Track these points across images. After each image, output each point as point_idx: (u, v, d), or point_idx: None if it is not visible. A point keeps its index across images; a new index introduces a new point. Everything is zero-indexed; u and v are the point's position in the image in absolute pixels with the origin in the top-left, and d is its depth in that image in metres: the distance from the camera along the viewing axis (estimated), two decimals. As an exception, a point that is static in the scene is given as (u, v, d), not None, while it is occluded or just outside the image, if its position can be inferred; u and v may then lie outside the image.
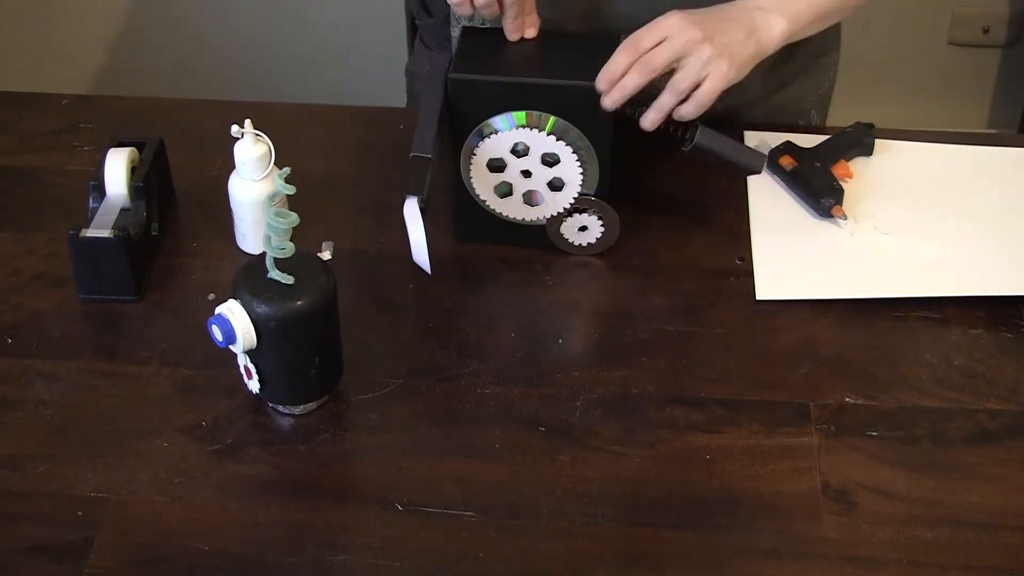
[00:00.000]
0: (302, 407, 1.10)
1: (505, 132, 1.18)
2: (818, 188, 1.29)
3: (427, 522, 1.02)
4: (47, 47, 2.36)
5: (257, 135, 1.17)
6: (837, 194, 1.28)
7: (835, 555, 1.00)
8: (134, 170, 1.23)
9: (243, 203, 1.21)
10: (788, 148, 1.34)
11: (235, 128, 1.16)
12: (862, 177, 1.33)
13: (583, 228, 1.23)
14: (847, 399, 1.12)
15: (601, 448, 1.08)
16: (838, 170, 1.31)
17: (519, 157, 1.19)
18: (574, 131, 1.17)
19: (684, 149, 1.19)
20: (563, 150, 1.18)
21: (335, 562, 0.99)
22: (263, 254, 1.03)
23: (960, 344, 1.17)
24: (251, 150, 1.19)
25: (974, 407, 1.11)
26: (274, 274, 1.03)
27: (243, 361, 1.07)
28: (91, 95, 1.48)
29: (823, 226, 1.27)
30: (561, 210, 1.22)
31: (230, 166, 1.21)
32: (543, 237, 1.24)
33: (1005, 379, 1.14)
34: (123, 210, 1.22)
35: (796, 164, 1.32)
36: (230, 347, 1.04)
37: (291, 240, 1.02)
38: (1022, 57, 2.31)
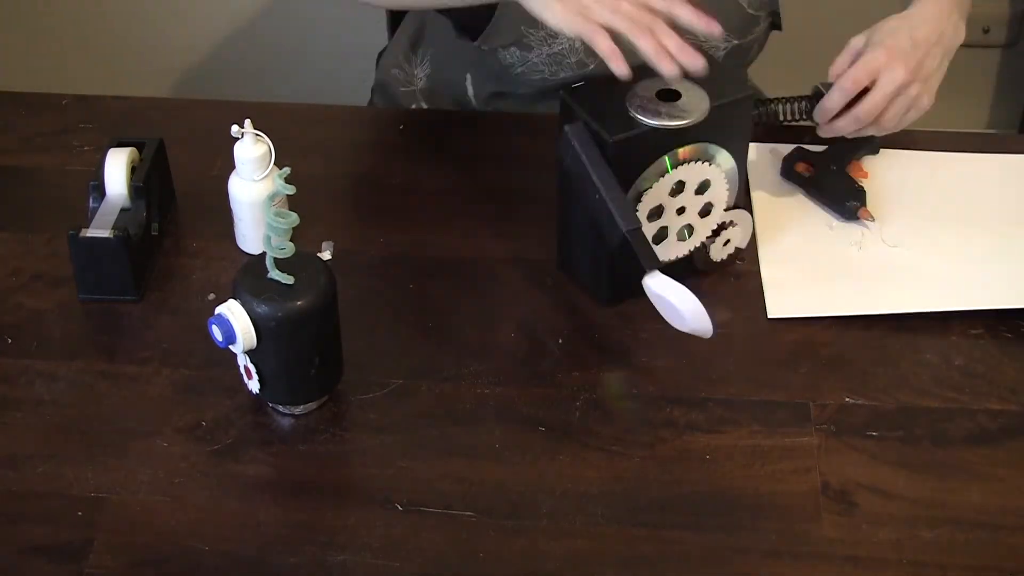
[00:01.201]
0: (302, 407, 1.10)
1: (664, 177, 1.13)
2: (841, 191, 1.28)
3: (427, 522, 1.02)
4: (47, 47, 2.36)
5: (257, 135, 1.17)
6: (860, 196, 1.28)
7: (835, 555, 1.00)
8: (134, 170, 1.23)
9: (243, 203, 1.21)
10: (801, 155, 1.33)
11: (235, 128, 1.16)
12: (871, 183, 1.32)
13: (726, 242, 1.22)
14: (847, 399, 1.12)
15: (601, 448, 1.07)
16: (853, 171, 1.31)
17: (674, 196, 1.16)
18: (718, 150, 1.15)
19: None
20: (712, 172, 1.16)
21: (335, 562, 0.99)
22: (263, 254, 1.03)
23: (960, 344, 1.17)
24: (251, 150, 1.19)
25: (974, 407, 1.11)
26: (274, 274, 1.03)
27: (243, 361, 1.07)
28: (91, 95, 1.48)
29: (831, 241, 1.26)
30: (710, 233, 1.20)
31: (230, 166, 1.21)
32: (688, 267, 1.21)
33: (1005, 379, 1.14)
34: (123, 210, 1.22)
35: (812, 170, 1.31)
36: (230, 347, 1.04)
37: (291, 240, 1.02)
38: (1022, 57, 2.31)
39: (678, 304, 1.08)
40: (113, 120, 1.42)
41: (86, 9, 2.32)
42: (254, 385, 1.07)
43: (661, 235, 1.18)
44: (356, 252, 1.25)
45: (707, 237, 1.20)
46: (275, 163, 1.18)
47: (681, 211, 1.17)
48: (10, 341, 1.17)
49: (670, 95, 1.13)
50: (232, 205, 1.23)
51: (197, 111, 1.45)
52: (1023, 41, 2.29)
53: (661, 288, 1.09)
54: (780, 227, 1.28)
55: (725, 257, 1.23)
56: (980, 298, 1.19)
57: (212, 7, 2.30)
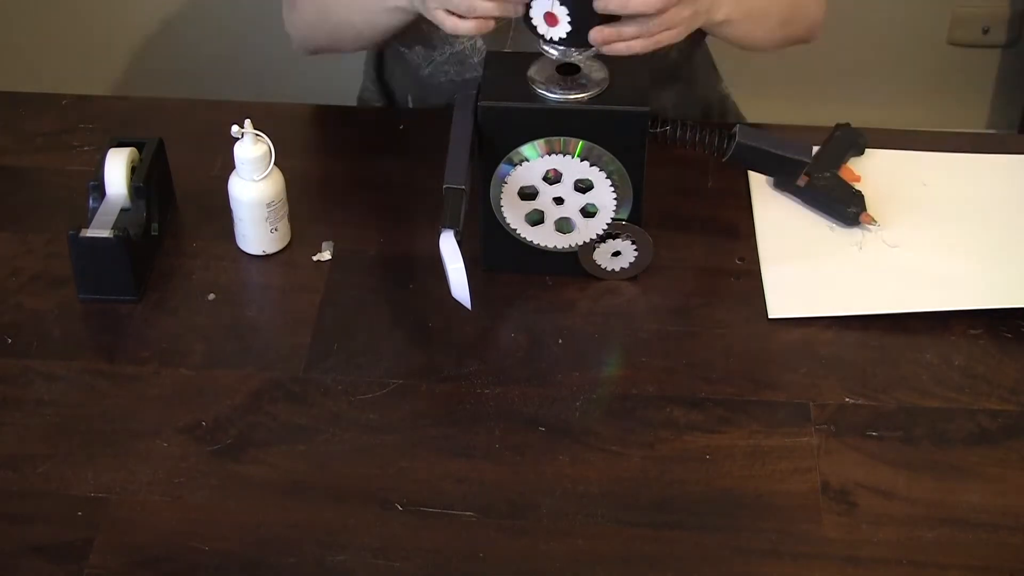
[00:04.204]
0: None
1: (536, 159, 1.15)
2: (840, 198, 1.28)
3: (427, 522, 1.02)
4: (47, 47, 2.36)
5: (257, 135, 1.17)
6: (859, 200, 1.27)
7: (835, 555, 1.00)
8: (134, 170, 1.23)
9: (243, 203, 1.21)
10: None
11: (235, 128, 1.16)
12: (868, 185, 1.32)
13: (616, 253, 1.21)
14: (847, 399, 1.12)
15: (601, 448, 1.08)
16: (846, 175, 1.30)
17: (551, 184, 1.17)
18: (607, 155, 1.15)
19: (724, 159, 1.18)
20: (596, 175, 1.16)
21: (335, 562, 0.99)
22: None
23: (960, 344, 1.17)
24: (251, 150, 1.19)
25: (974, 407, 1.11)
26: None
27: (546, 7, 1.05)
28: (91, 95, 1.48)
29: (832, 241, 1.26)
30: (594, 236, 1.20)
31: (230, 166, 1.21)
32: (573, 264, 1.22)
33: (1005, 379, 1.14)
34: (123, 210, 1.22)
35: (807, 178, 1.29)
36: None
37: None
38: (1022, 57, 2.31)
39: (449, 270, 1.10)
40: (113, 120, 1.42)
41: (86, 9, 2.32)
42: (559, 31, 1.06)
43: (536, 218, 1.19)
44: (356, 252, 1.25)
45: (591, 239, 1.20)
46: (275, 163, 1.18)
47: (559, 202, 1.18)
48: (10, 341, 1.17)
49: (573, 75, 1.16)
50: (232, 205, 1.23)
51: (197, 111, 1.45)
52: (1023, 41, 2.29)
53: (446, 249, 1.09)
54: (780, 228, 1.28)
55: (616, 269, 1.22)
56: (980, 298, 1.19)
57: (213, 7, 2.30)
